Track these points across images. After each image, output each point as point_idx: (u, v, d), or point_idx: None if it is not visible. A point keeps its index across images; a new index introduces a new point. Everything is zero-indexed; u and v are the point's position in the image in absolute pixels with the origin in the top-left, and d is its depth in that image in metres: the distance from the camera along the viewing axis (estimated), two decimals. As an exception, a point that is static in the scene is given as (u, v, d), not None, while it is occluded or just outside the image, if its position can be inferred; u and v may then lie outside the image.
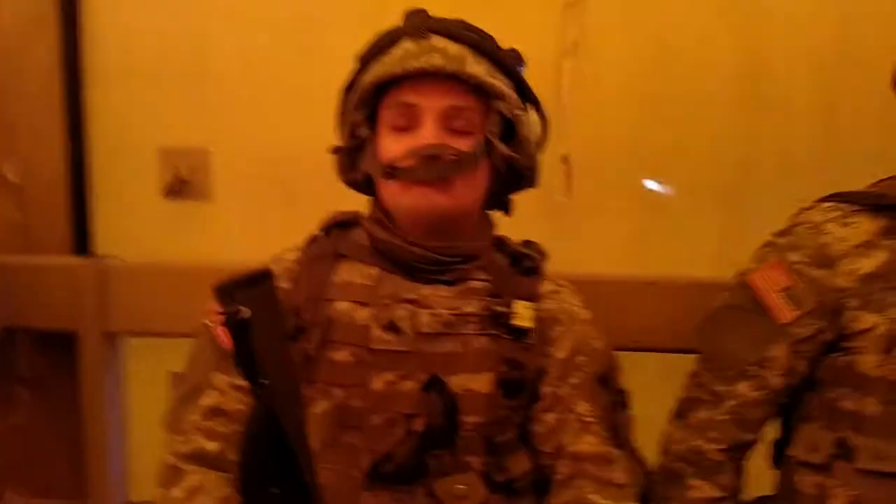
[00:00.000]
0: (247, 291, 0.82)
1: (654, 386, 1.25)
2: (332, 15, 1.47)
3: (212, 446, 0.95)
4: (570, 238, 1.36)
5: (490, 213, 1.07)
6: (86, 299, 1.46)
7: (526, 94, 1.00)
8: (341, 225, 1.05)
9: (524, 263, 1.02)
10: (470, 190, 0.96)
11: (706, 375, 1.13)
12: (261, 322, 0.82)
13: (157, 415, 1.62)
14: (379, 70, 0.94)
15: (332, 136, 1.04)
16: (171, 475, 0.95)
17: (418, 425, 0.91)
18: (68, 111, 1.54)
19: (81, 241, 1.57)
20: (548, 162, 1.38)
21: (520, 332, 0.97)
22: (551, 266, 1.08)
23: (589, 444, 0.97)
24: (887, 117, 1.35)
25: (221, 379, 0.97)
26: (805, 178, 1.24)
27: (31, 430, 1.55)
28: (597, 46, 1.45)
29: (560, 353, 0.99)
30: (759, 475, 1.19)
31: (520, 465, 0.96)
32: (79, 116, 1.56)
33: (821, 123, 1.48)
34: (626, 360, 1.20)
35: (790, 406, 1.13)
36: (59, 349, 1.51)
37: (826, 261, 1.04)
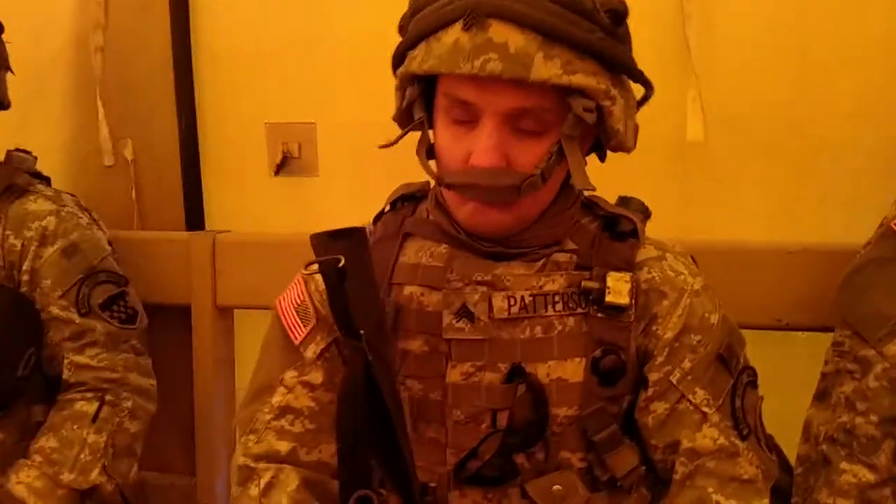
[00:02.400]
0: (342, 243, 0.78)
1: (802, 369, 1.11)
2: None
3: (283, 446, 0.90)
4: (705, 204, 1.21)
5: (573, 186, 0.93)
6: (199, 273, 1.48)
7: (621, 68, 0.82)
8: (408, 198, 0.97)
9: (618, 226, 0.89)
10: (538, 203, 0.85)
11: (849, 342, 1.00)
12: (355, 274, 0.77)
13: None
14: (424, 60, 0.79)
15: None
16: (245, 475, 0.91)
17: (504, 420, 0.83)
18: (180, 91, 1.56)
19: (194, 217, 1.59)
20: (678, 104, 1.25)
21: (616, 310, 0.84)
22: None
23: (708, 437, 0.84)
24: None
25: (291, 376, 0.91)
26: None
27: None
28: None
29: (668, 332, 0.86)
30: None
31: (625, 462, 0.84)
32: (190, 96, 1.58)
33: None
34: (770, 339, 1.07)
35: None
36: (173, 322, 1.53)
37: None
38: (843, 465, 0.98)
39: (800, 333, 1.23)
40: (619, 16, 0.80)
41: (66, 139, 1.66)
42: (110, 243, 1.37)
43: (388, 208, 0.97)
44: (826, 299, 1.11)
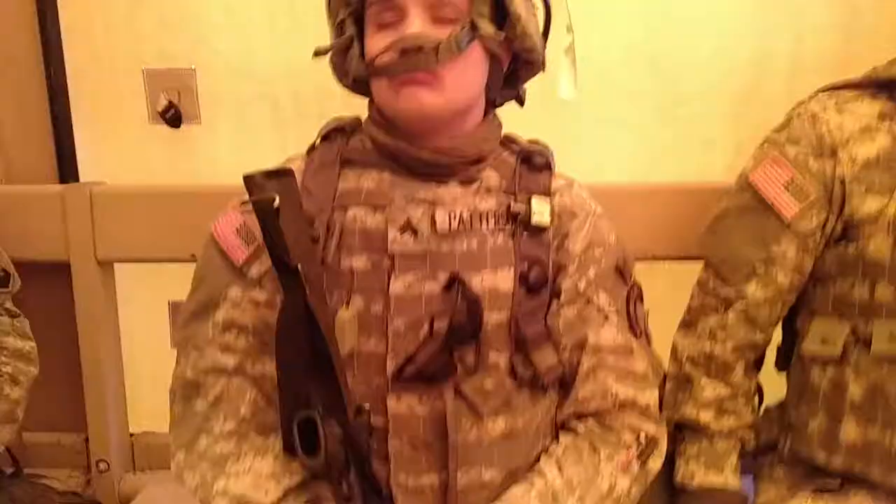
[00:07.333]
0: (272, 182, 0.81)
1: (665, 296, 1.21)
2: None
3: (229, 360, 0.93)
4: (576, 146, 1.30)
5: (496, 113, 1.01)
6: (76, 228, 1.42)
7: None
8: (341, 131, 1.00)
9: (535, 160, 0.99)
10: (462, 83, 0.90)
11: (713, 281, 1.12)
12: (287, 211, 0.80)
13: (154, 343, 1.61)
14: None
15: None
16: (192, 389, 0.94)
17: (441, 326, 0.89)
18: (43, 34, 1.47)
19: (65, 169, 1.52)
20: (551, 58, 1.32)
21: (539, 230, 0.95)
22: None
23: (609, 335, 0.97)
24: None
25: (235, 292, 0.94)
26: (820, 80, 1.17)
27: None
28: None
29: (577, 246, 0.97)
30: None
31: (546, 359, 0.94)
32: (57, 38, 1.48)
33: (838, 23, 1.40)
34: (637, 270, 1.16)
35: (795, 306, 1.11)
36: (53, 280, 1.47)
37: (826, 150, 1.02)
38: (703, 381, 1.11)
39: (663, 263, 1.35)
40: None
41: None
42: None
43: (318, 141, 1.00)
44: (685, 232, 1.22)
